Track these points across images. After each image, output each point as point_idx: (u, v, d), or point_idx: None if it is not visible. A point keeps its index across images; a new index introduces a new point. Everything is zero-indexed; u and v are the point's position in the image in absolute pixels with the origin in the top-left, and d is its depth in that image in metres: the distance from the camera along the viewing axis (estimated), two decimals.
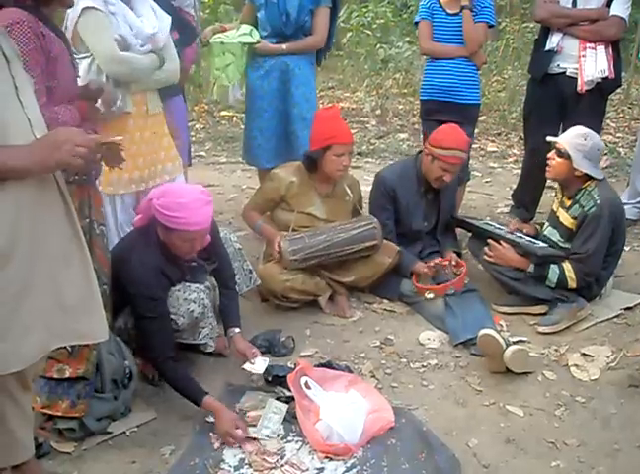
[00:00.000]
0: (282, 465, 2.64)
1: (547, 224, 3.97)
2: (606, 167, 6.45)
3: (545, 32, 4.64)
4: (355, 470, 2.63)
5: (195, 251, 2.99)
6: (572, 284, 3.65)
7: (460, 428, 2.90)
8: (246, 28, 4.39)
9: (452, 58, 4.51)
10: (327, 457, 2.68)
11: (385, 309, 3.91)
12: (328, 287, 3.87)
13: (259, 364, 3.03)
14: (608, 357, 3.40)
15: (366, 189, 4.27)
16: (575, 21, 4.47)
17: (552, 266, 3.65)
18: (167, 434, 2.82)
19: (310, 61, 4.55)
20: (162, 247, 2.96)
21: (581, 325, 3.69)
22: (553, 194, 4.16)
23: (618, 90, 5.82)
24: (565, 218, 3.77)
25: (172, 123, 3.86)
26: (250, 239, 4.48)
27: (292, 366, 3.13)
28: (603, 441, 2.82)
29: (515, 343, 3.31)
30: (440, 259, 4.00)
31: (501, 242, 3.80)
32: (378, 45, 9.52)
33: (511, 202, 5.31)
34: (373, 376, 3.26)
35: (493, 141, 7.80)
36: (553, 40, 4.55)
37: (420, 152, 4.12)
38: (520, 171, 5.34)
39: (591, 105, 4.50)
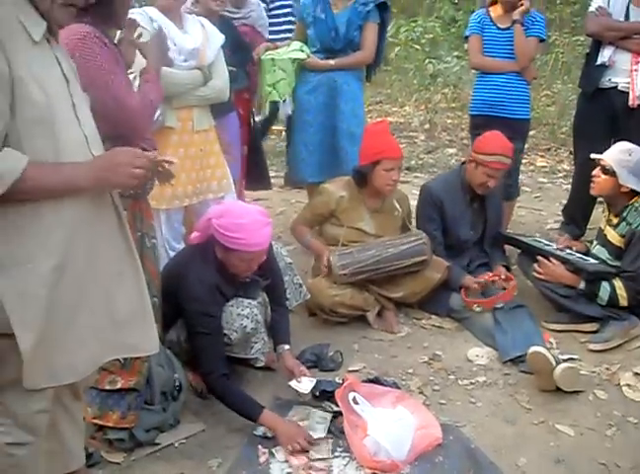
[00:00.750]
0: None
1: (595, 242, 3.91)
2: None
3: (597, 45, 4.59)
4: None
5: (252, 270, 3.03)
6: (623, 302, 3.59)
7: (509, 446, 2.86)
8: (297, 44, 4.46)
9: (503, 73, 4.50)
10: (374, 473, 2.67)
11: (434, 325, 3.89)
12: (376, 302, 3.87)
13: (305, 384, 3.04)
14: None
15: (415, 203, 4.25)
16: (627, 34, 4.42)
17: (603, 283, 3.60)
18: (214, 447, 2.83)
19: (358, 77, 4.58)
20: (219, 265, 3.00)
21: (633, 343, 3.61)
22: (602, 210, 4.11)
23: None
24: (613, 236, 3.71)
25: (225, 140, 3.89)
26: (299, 253, 4.48)
27: (340, 381, 3.13)
28: None
29: (565, 361, 3.26)
30: (488, 274, 3.97)
31: (550, 259, 3.76)
32: (427, 60, 9.53)
33: (560, 218, 5.24)
34: (421, 392, 3.24)
35: (542, 156, 7.71)
36: (605, 54, 4.49)
37: (464, 162, 4.12)
38: (570, 186, 5.28)
39: None
